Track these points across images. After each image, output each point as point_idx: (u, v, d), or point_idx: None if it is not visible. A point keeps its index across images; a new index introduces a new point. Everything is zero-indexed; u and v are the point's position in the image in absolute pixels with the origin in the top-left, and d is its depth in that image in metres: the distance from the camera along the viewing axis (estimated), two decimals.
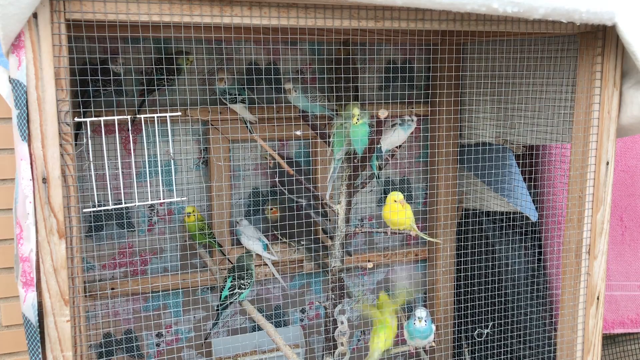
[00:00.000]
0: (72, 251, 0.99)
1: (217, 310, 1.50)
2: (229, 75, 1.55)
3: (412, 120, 1.49)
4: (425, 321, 1.47)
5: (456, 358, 1.99)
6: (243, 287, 1.49)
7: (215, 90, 1.57)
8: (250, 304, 1.55)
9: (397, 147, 1.52)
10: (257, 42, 1.65)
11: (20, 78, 0.93)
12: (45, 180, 0.96)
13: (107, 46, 1.48)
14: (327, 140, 1.52)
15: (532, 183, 1.84)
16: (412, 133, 1.90)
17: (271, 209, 1.70)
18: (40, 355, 1.01)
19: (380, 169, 1.54)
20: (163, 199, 1.18)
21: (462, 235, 1.91)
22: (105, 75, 1.41)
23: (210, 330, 1.60)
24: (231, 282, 1.49)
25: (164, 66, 1.49)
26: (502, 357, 1.81)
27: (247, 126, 1.59)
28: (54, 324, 0.99)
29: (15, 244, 1.01)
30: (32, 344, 1.00)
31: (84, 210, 1.09)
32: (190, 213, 1.57)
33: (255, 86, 1.67)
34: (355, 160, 1.47)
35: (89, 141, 1.08)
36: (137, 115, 1.25)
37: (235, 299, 1.49)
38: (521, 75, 1.65)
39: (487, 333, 1.84)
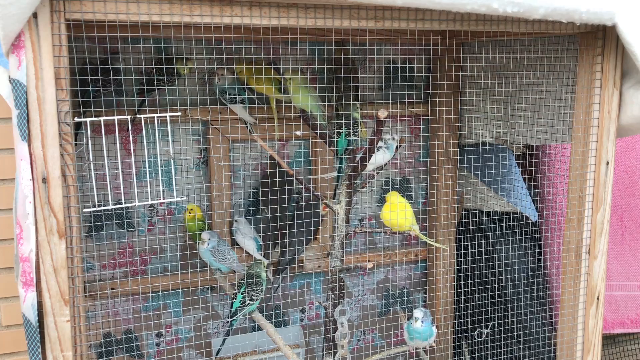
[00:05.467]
0: (72, 251, 0.99)
1: (230, 322, 1.47)
2: (228, 75, 1.55)
3: (394, 139, 1.50)
4: (422, 322, 1.46)
5: (456, 358, 1.99)
6: (254, 298, 1.46)
7: (215, 90, 1.57)
8: (259, 312, 1.53)
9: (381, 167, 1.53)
10: (257, 42, 1.65)
11: (20, 78, 0.93)
12: (45, 180, 0.96)
13: (107, 46, 1.48)
14: (326, 140, 1.52)
15: (532, 183, 1.84)
16: (411, 132, 1.91)
17: (324, 204, 1.69)
18: (40, 355, 1.01)
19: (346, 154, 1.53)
20: (163, 199, 1.18)
21: (462, 235, 1.91)
22: (105, 75, 1.41)
23: (221, 346, 1.55)
24: (242, 295, 1.46)
25: (163, 66, 1.49)
26: (502, 357, 1.81)
27: (247, 126, 1.59)
28: (54, 324, 0.99)
29: (15, 244, 1.01)
30: (32, 344, 1.00)
31: (84, 210, 1.09)
32: (187, 210, 1.56)
33: (255, 86, 1.66)
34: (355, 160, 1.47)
35: (89, 141, 1.08)
36: (137, 115, 1.26)
37: (245, 312, 1.46)
38: (521, 75, 1.65)
39: (487, 333, 1.84)
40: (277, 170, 1.65)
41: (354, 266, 1.87)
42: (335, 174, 1.51)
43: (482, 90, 1.78)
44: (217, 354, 1.58)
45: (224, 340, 1.51)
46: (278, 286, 1.72)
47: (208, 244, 1.49)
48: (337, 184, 1.49)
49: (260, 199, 1.70)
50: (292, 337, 1.76)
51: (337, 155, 1.49)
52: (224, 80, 1.54)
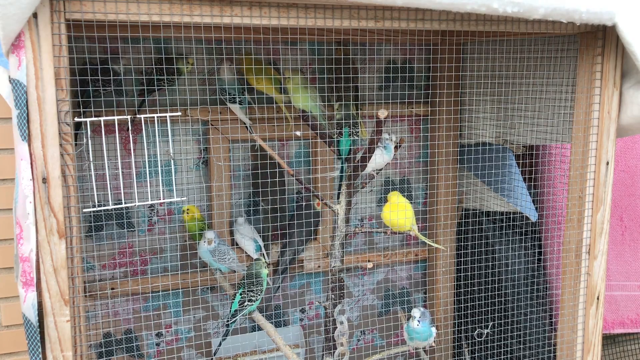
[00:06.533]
0: (72, 251, 0.99)
1: (227, 324, 1.47)
2: (229, 73, 1.55)
3: (391, 140, 1.49)
4: (419, 321, 1.46)
5: (456, 358, 1.99)
6: (253, 298, 1.45)
7: (216, 90, 1.57)
8: (259, 312, 1.52)
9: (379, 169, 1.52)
10: (257, 42, 1.65)
11: (20, 78, 0.93)
12: (45, 180, 0.96)
13: (107, 46, 1.48)
14: (326, 140, 1.52)
15: (532, 183, 1.84)
16: (411, 132, 1.91)
17: (317, 201, 1.71)
18: (40, 355, 1.01)
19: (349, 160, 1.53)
20: (163, 199, 1.18)
21: (462, 235, 1.91)
22: (105, 75, 1.41)
23: (219, 345, 1.55)
24: (241, 295, 1.45)
25: (164, 66, 1.49)
26: (502, 357, 1.81)
27: (246, 126, 1.60)
28: (54, 324, 0.99)
29: (15, 244, 1.01)
30: (32, 344, 1.00)
31: (84, 210, 1.09)
32: (184, 210, 1.56)
33: (255, 86, 1.66)
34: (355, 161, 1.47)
35: (89, 141, 1.08)
36: (137, 115, 1.26)
37: (245, 313, 1.46)
38: (521, 75, 1.65)
39: (487, 333, 1.84)
40: (267, 161, 1.64)
41: (354, 266, 1.87)
42: (337, 173, 1.51)
43: (482, 90, 1.78)
44: (214, 355, 1.58)
45: (220, 342, 1.51)
46: (279, 286, 1.72)
47: (215, 242, 1.48)
48: (340, 184, 1.49)
49: (259, 190, 1.70)
50: (292, 337, 1.76)
51: (340, 155, 1.49)
52: (225, 74, 1.54)
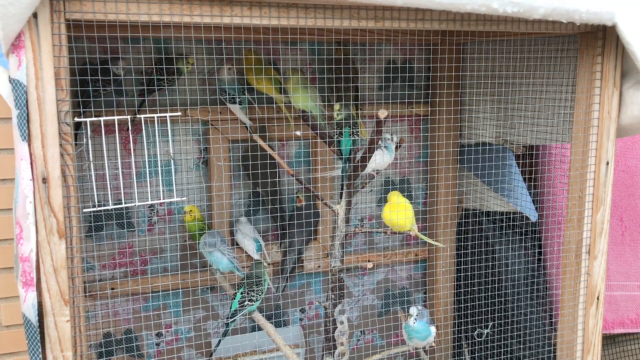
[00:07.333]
0: (72, 251, 0.99)
1: (227, 323, 1.46)
2: (230, 73, 1.55)
3: (392, 140, 1.49)
4: (415, 319, 1.47)
5: (456, 358, 1.99)
6: (254, 299, 1.45)
7: (216, 90, 1.57)
8: (259, 312, 1.52)
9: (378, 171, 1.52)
10: (257, 42, 1.65)
11: (20, 78, 0.93)
12: (45, 180, 0.96)
13: (107, 46, 1.48)
14: (326, 140, 1.52)
15: (532, 183, 1.84)
16: (411, 132, 1.91)
17: (297, 197, 1.72)
18: (40, 355, 1.01)
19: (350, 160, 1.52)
20: (163, 199, 1.18)
21: (462, 235, 1.91)
22: (105, 75, 1.41)
23: (217, 344, 1.55)
24: (241, 294, 1.45)
25: (164, 66, 1.49)
26: (502, 357, 1.81)
27: (246, 126, 1.60)
28: (54, 324, 0.99)
29: (15, 244, 1.01)
30: (32, 344, 1.01)
31: (84, 210, 1.09)
32: (186, 211, 1.56)
33: (255, 86, 1.67)
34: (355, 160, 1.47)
35: (89, 141, 1.08)
36: (137, 115, 1.26)
37: (245, 312, 1.46)
38: (521, 75, 1.65)
39: (487, 333, 1.84)
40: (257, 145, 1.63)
41: (354, 266, 1.87)
42: (338, 172, 1.50)
43: (482, 90, 1.78)
44: (210, 355, 1.58)
45: (219, 342, 1.50)
46: (284, 286, 1.72)
47: (217, 244, 1.49)
48: (342, 184, 1.49)
49: (251, 179, 1.69)
50: (292, 337, 1.76)
51: (342, 155, 1.48)
52: (225, 74, 1.54)
